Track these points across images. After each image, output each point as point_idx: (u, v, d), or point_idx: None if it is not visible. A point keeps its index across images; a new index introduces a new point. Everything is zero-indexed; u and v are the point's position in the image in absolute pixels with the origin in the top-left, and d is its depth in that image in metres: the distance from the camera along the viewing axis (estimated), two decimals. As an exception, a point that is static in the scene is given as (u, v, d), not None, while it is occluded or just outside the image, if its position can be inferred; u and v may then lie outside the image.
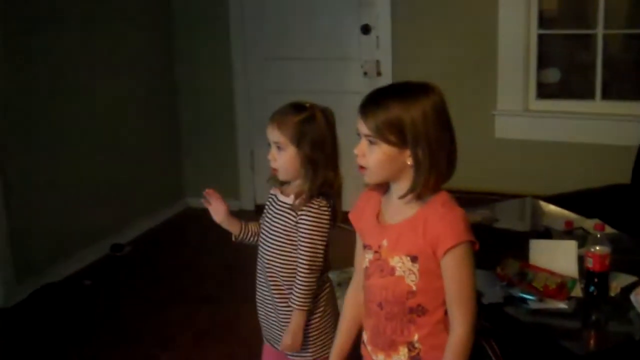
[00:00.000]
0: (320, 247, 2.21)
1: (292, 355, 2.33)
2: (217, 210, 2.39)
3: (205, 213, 5.37)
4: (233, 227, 2.39)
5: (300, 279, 2.21)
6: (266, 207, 2.35)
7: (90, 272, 4.34)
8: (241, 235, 2.39)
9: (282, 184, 2.29)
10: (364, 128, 1.72)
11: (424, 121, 1.68)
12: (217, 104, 5.23)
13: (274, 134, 2.19)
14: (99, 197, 4.52)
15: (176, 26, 5.18)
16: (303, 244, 2.20)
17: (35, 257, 4.07)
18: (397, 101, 1.70)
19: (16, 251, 3.94)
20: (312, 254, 2.20)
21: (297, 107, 2.21)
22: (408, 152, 1.70)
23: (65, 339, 3.59)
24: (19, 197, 3.96)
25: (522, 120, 4.56)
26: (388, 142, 1.69)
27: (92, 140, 4.46)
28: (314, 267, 2.21)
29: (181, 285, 4.15)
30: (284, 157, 2.19)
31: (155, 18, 5.07)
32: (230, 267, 4.19)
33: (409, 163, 1.70)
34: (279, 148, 2.19)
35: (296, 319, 2.23)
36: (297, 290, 2.21)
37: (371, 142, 1.71)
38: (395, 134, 1.68)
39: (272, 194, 2.34)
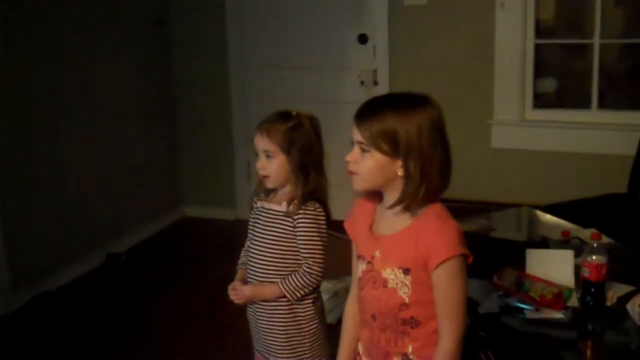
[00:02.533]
0: (323, 247, 2.23)
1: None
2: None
3: (202, 221, 5.39)
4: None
5: (308, 275, 2.21)
6: (252, 220, 2.35)
7: (86, 281, 4.32)
8: None
9: (267, 193, 2.30)
10: (357, 135, 1.71)
11: (418, 134, 1.66)
12: (214, 113, 5.23)
13: (264, 143, 2.21)
14: (95, 206, 4.51)
15: (173, 35, 5.19)
16: (307, 245, 2.22)
17: (31, 266, 4.05)
18: (393, 112, 1.68)
19: (12, 260, 3.92)
20: (319, 253, 2.22)
21: (285, 115, 2.25)
22: (399, 163, 1.69)
23: (61, 348, 3.58)
24: (15, 206, 3.95)
25: (518, 129, 4.57)
26: (380, 150, 1.68)
27: (89, 149, 4.45)
28: (322, 266, 2.23)
29: (177, 295, 4.14)
30: (274, 165, 2.21)
31: (152, 28, 5.07)
32: (227, 275, 4.18)
33: (399, 174, 1.69)
34: (268, 156, 2.22)
35: (272, 291, 2.24)
36: (298, 280, 2.22)
37: (363, 150, 1.70)
38: (388, 143, 1.67)
39: (257, 207, 2.35)
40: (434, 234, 1.69)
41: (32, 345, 3.62)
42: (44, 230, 4.13)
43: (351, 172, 1.74)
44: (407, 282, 1.73)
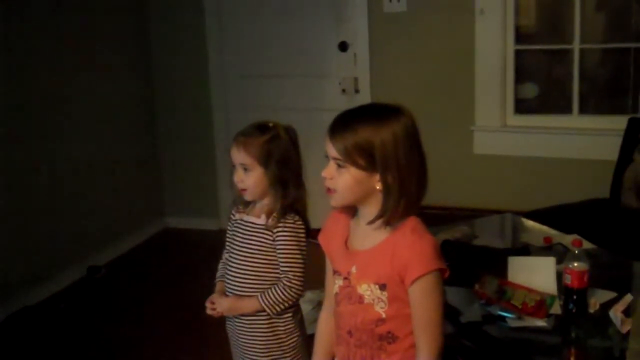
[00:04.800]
0: (302, 260, 2.21)
1: None
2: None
3: (184, 232, 5.31)
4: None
5: (288, 289, 2.19)
6: (231, 233, 2.33)
7: (67, 295, 4.27)
8: None
9: (246, 205, 2.27)
10: (332, 151, 1.66)
11: (394, 145, 1.63)
12: (195, 123, 5.20)
13: (240, 156, 2.18)
14: (75, 218, 4.46)
15: (153, 44, 5.16)
16: (287, 258, 2.19)
17: (11, 280, 3.99)
18: (366, 124, 1.64)
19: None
20: (299, 266, 2.19)
21: (261, 127, 2.21)
22: (377, 177, 1.65)
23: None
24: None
25: (500, 135, 4.56)
26: (357, 165, 1.64)
27: (69, 161, 4.41)
28: (302, 280, 2.20)
29: (159, 308, 4.09)
30: (252, 178, 2.18)
31: (133, 36, 5.04)
32: (210, 287, 4.14)
33: (377, 188, 1.66)
34: (245, 169, 2.19)
35: (251, 304, 2.21)
36: (277, 294, 2.19)
37: (339, 166, 1.66)
38: (364, 157, 1.63)
39: (235, 219, 2.32)
40: (410, 249, 1.66)
41: (12, 361, 3.57)
42: (23, 244, 4.08)
43: (329, 190, 1.70)
44: (384, 298, 1.70)
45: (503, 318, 2.28)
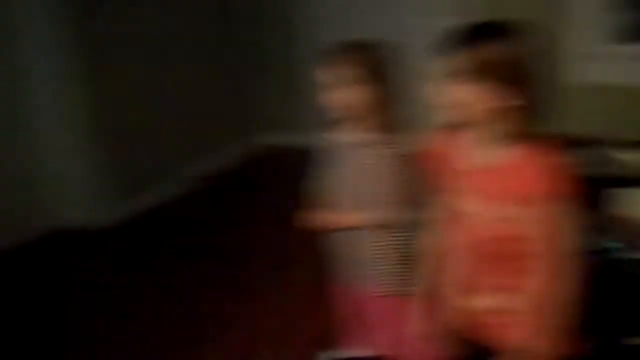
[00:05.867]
0: (405, 179, 2.17)
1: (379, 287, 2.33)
2: None
3: (275, 148, 5.19)
4: None
5: (392, 208, 2.18)
6: (332, 151, 2.30)
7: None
8: None
9: (348, 124, 2.22)
10: (453, 67, 1.62)
11: (517, 62, 1.60)
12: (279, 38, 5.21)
13: (342, 72, 2.12)
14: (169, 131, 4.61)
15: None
16: (390, 178, 2.17)
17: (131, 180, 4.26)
18: (488, 41, 1.60)
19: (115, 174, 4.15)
20: (403, 185, 2.17)
21: (359, 45, 2.15)
22: (499, 94, 1.61)
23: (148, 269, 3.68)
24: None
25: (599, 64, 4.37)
26: (477, 82, 1.60)
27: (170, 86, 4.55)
28: (405, 199, 2.18)
29: (247, 221, 4.17)
30: (353, 95, 2.13)
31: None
32: (300, 203, 4.18)
33: (499, 105, 1.62)
34: (347, 85, 2.12)
35: (357, 219, 2.22)
36: (383, 212, 2.19)
37: (460, 82, 1.62)
38: (486, 74, 1.59)
39: (336, 137, 2.28)
40: (537, 169, 1.62)
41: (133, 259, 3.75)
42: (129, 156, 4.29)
43: (447, 106, 1.67)
44: (506, 217, 1.67)
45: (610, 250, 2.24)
